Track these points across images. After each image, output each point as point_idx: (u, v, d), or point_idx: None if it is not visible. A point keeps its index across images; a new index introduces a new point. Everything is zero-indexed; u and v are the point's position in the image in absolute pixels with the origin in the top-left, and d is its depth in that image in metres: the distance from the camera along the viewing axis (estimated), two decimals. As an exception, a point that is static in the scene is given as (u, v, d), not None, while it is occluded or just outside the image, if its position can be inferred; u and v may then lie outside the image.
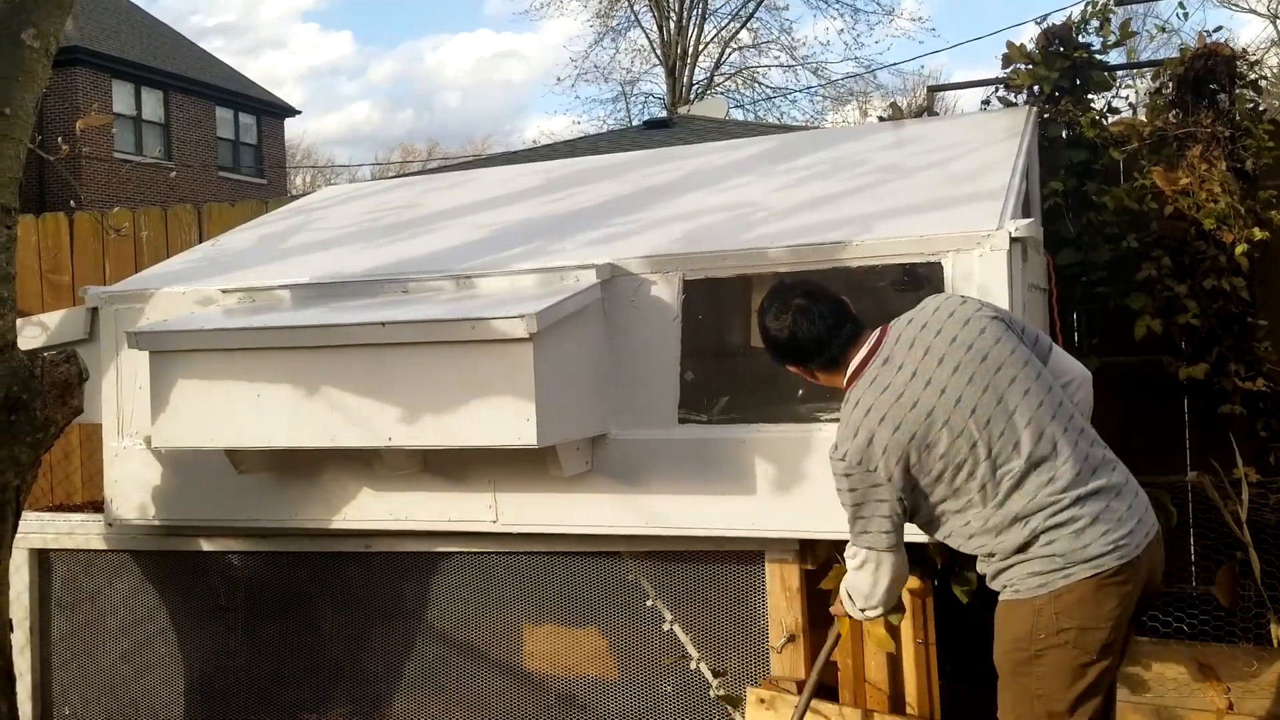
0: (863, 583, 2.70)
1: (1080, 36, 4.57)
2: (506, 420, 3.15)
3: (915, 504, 2.62)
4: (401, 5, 73.28)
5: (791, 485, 3.33)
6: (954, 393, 2.54)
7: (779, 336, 2.77)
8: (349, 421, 3.32)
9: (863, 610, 2.77)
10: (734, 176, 4.38)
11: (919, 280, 3.27)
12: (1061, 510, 2.49)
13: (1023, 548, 2.53)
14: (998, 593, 2.66)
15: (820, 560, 3.49)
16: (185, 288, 4.03)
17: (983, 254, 3.10)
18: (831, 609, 3.11)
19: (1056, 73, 4.48)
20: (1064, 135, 4.50)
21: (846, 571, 2.78)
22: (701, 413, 3.61)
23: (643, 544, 3.66)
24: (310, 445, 3.41)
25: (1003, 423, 2.53)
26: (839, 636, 3.29)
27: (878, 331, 2.72)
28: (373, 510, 3.74)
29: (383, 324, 3.27)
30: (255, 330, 3.50)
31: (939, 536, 2.70)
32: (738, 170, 4.50)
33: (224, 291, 3.92)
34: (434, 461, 3.62)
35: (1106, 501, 2.53)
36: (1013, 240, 3.09)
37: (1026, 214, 3.50)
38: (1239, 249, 4.09)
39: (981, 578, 2.70)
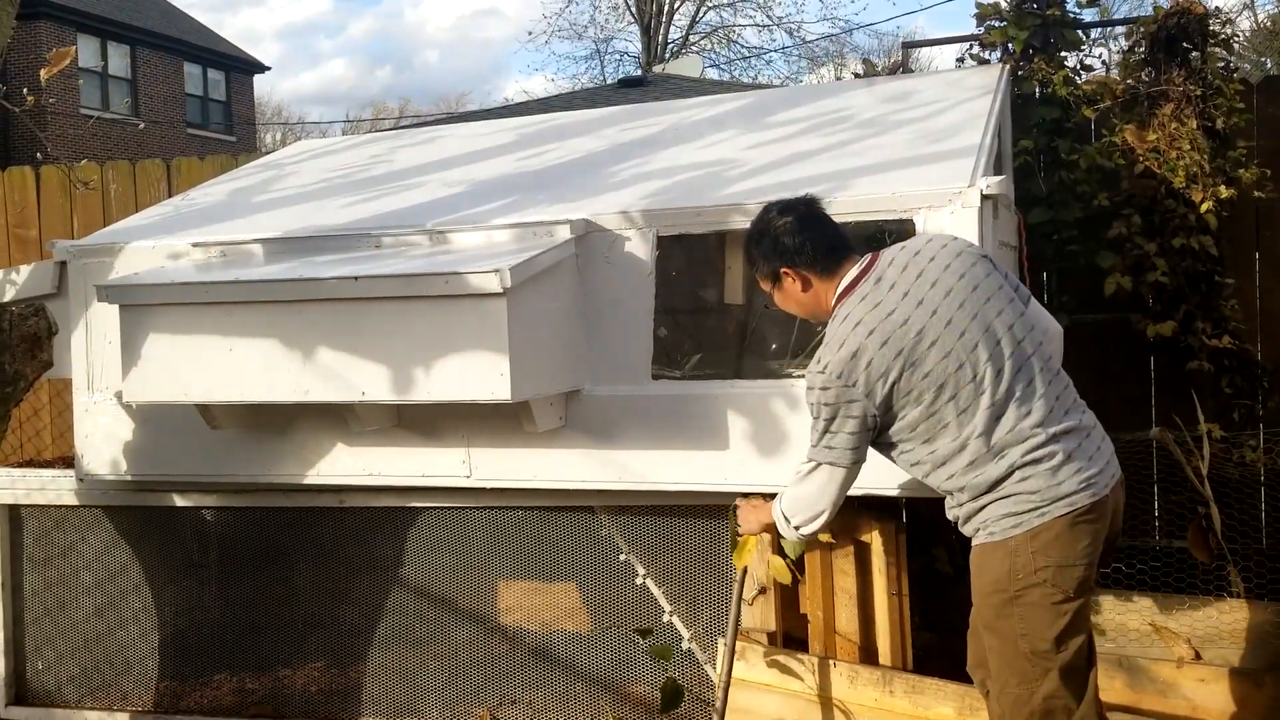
0: (809, 493, 2.75)
1: (1055, -6, 4.57)
2: (480, 375, 3.15)
3: (885, 426, 2.66)
4: (382, -40, 72.10)
5: (764, 440, 3.35)
6: (945, 314, 2.59)
7: (782, 231, 2.79)
8: (322, 377, 3.31)
9: (798, 527, 2.81)
10: (710, 133, 4.37)
11: (892, 236, 3.30)
12: (1039, 446, 2.55)
13: (997, 483, 2.57)
14: (969, 538, 2.70)
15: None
16: (155, 242, 3.99)
17: (954, 211, 3.12)
18: (741, 528, 3.18)
19: (1027, 31, 4.48)
20: (1036, 93, 4.51)
21: (787, 487, 2.84)
22: (675, 369, 3.63)
23: (616, 499, 3.68)
24: (283, 400, 3.40)
25: (988, 350, 2.58)
26: (745, 571, 3.38)
27: (869, 256, 2.76)
28: (346, 466, 3.74)
29: (355, 278, 3.26)
30: (227, 284, 3.47)
31: (903, 464, 2.74)
32: (714, 127, 4.49)
33: (195, 245, 3.89)
34: (408, 417, 3.62)
35: (1079, 441, 2.61)
36: (984, 198, 3.11)
37: (998, 172, 3.52)
38: (1204, 206, 4.13)
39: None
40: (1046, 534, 2.55)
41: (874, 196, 3.25)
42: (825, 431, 2.66)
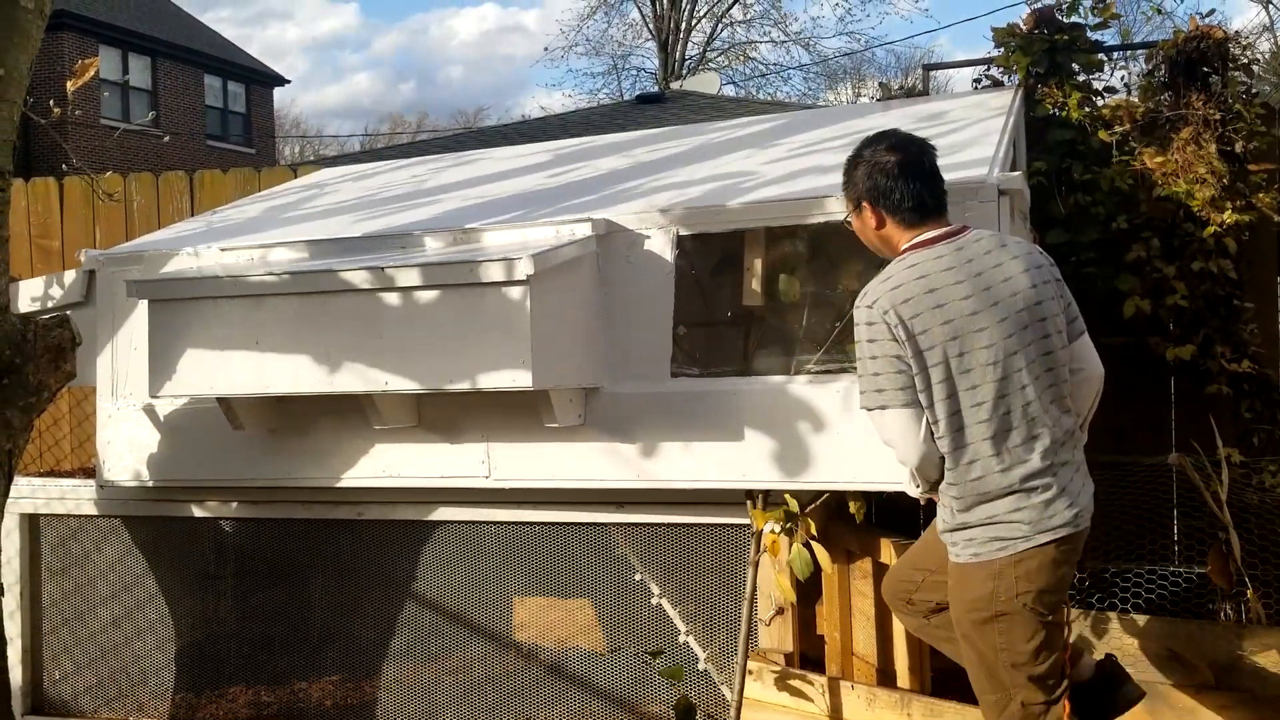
0: (889, 441, 2.72)
1: (1071, 17, 4.59)
2: (503, 364, 3.18)
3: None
4: (409, -23, 72.78)
5: (785, 437, 3.37)
6: (1002, 313, 2.61)
7: (881, 167, 2.75)
8: (347, 368, 3.35)
9: (912, 476, 2.76)
10: (734, 150, 4.42)
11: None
12: (1039, 474, 2.60)
13: (991, 500, 2.60)
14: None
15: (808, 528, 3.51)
16: (185, 250, 4.02)
17: (971, 207, 3.13)
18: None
19: (1031, 56, 4.50)
20: (1052, 115, 4.52)
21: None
22: (694, 366, 3.64)
23: (634, 507, 3.69)
24: (308, 391, 3.42)
25: (1025, 363, 2.61)
26: (754, 590, 3.41)
27: (961, 225, 2.76)
28: (367, 467, 3.76)
29: (381, 269, 3.30)
30: (253, 278, 3.50)
31: None
32: (737, 145, 4.53)
33: (224, 250, 3.92)
34: (428, 415, 3.64)
35: (1071, 474, 2.67)
36: (1000, 192, 3.14)
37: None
38: (1209, 230, 4.13)
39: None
40: (1030, 561, 2.60)
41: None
42: (872, 373, 2.66)
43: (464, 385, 3.25)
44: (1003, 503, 2.60)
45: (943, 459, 2.66)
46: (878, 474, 3.14)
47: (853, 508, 3.47)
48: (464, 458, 3.64)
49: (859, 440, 3.17)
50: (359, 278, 3.32)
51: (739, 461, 3.40)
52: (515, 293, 3.17)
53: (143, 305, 3.76)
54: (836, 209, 3.23)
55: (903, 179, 2.74)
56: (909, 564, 3.03)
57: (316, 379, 3.37)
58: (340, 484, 3.83)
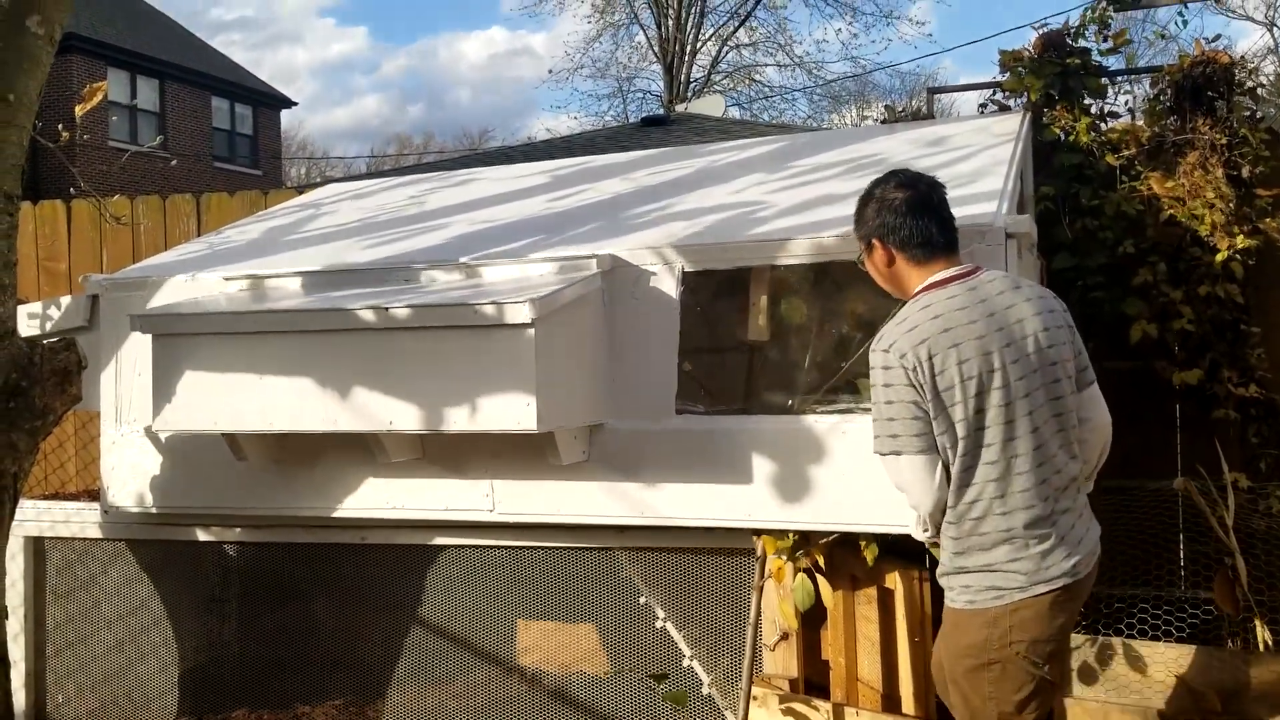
0: (900, 485, 2.69)
1: (1079, 42, 4.60)
2: (507, 405, 3.17)
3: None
4: (418, 1, 73.33)
5: (788, 476, 3.35)
6: (1015, 355, 2.60)
7: (890, 205, 2.75)
8: (350, 407, 3.34)
9: (920, 521, 2.73)
10: (739, 175, 4.41)
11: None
12: (1038, 523, 2.58)
13: (989, 546, 2.59)
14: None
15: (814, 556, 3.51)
16: (188, 276, 4.04)
17: (978, 248, 3.13)
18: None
19: (1044, 79, 4.51)
20: (1060, 139, 4.52)
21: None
22: (698, 403, 3.63)
23: (638, 535, 3.68)
24: (311, 430, 3.43)
25: (1033, 409, 2.59)
26: (758, 615, 3.40)
27: (974, 266, 2.75)
28: (370, 499, 3.76)
29: (387, 308, 3.30)
30: (259, 314, 3.52)
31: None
32: (743, 169, 4.53)
33: (227, 279, 3.93)
34: (433, 450, 3.64)
35: (1071, 523, 2.65)
36: (1007, 236, 3.13)
37: (1021, 214, 3.53)
38: (1219, 255, 4.13)
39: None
40: (1026, 611, 2.59)
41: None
42: (887, 417, 2.64)
43: (468, 427, 3.23)
44: (1001, 550, 2.59)
45: None
46: (884, 516, 3.12)
47: (863, 546, 3.44)
48: (469, 492, 3.64)
49: (865, 480, 3.16)
50: (362, 317, 3.31)
51: (744, 500, 3.39)
52: (520, 335, 3.16)
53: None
54: (842, 248, 3.23)
55: (911, 216, 2.73)
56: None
57: (320, 417, 3.37)
58: (344, 515, 3.83)
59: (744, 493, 3.39)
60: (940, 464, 2.61)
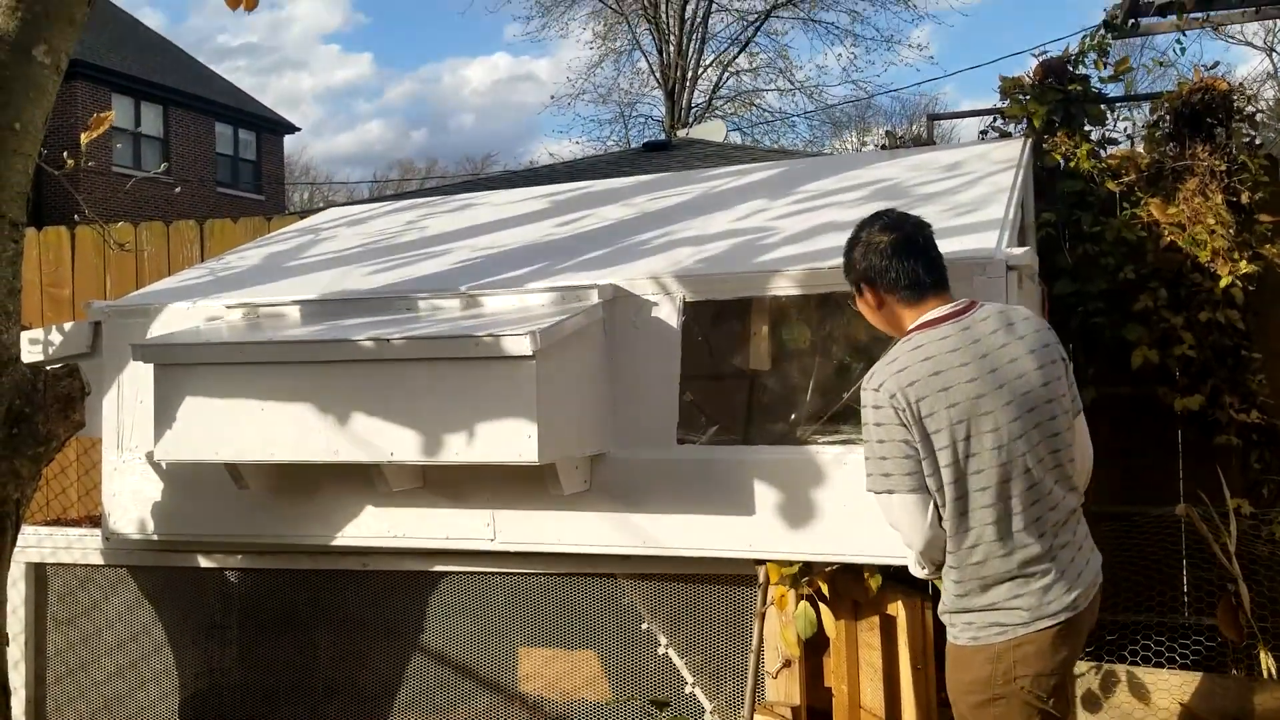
0: (895, 523, 2.69)
1: (1078, 68, 4.63)
2: (508, 437, 3.17)
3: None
4: (423, 28, 73.81)
5: (790, 507, 3.35)
6: (1008, 397, 2.58)
7: (875, 248, 2.75)
8: (351, 437, 3.34)
9: (917, 559, 2.73)
10: (740, 202, 4.42)
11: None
12: (1039, 559, 2.58)
13: (991, 585, 2.59)
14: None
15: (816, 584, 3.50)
16: (189, 303, 4.05)
17: (979, 281, 3.13)
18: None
19: (1047, 106, 4.53)
20: (1061, 166, 4.54)
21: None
22: (700, 433, 3.63)
23: (639, 565, 3.68)
24: (313, 460, 3.43)
25: (1029, 448, 2.58)
26: (760, 643, 3.39)
27: (966, 302, 2.74)
28: (372, 527, 3.75)
29: (389, 340, 3.30)
30: (260, 344, 3.53)
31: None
32: (744, 195, 4.54)
33: (229, 307, 3.94)
34: (434, 479, 3.64)
35: (1071, 556, 2.65)
36: (1009, 268, 3.14)
37: (1022, 243, 3.54)
38: (1222, 281, 4.14)
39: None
40: (1029, 646, 2.59)
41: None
42: (879, 456, 2.64)
43: (469, 458, 3.24)
44: (1003, 589, 2.59)
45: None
46: (886, 547, 3.10)
47: (867, 575, 3.44)
48: (470, 521, 3.64)
49: (867, 511, 3.13)
50: (363, 348, 3.32)
51: (745, 531, 3.39)
52: (521, 366, 3.16)
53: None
54: (841, 277, 3.24)
55: (896, 258, 2.73)
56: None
57: (321, 448, 3.37)
58: (345, 544, 3.83)
59: (746, 523, 3.39)
60: (933, 503, 2.61)
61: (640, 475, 3.49)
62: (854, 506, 3.22)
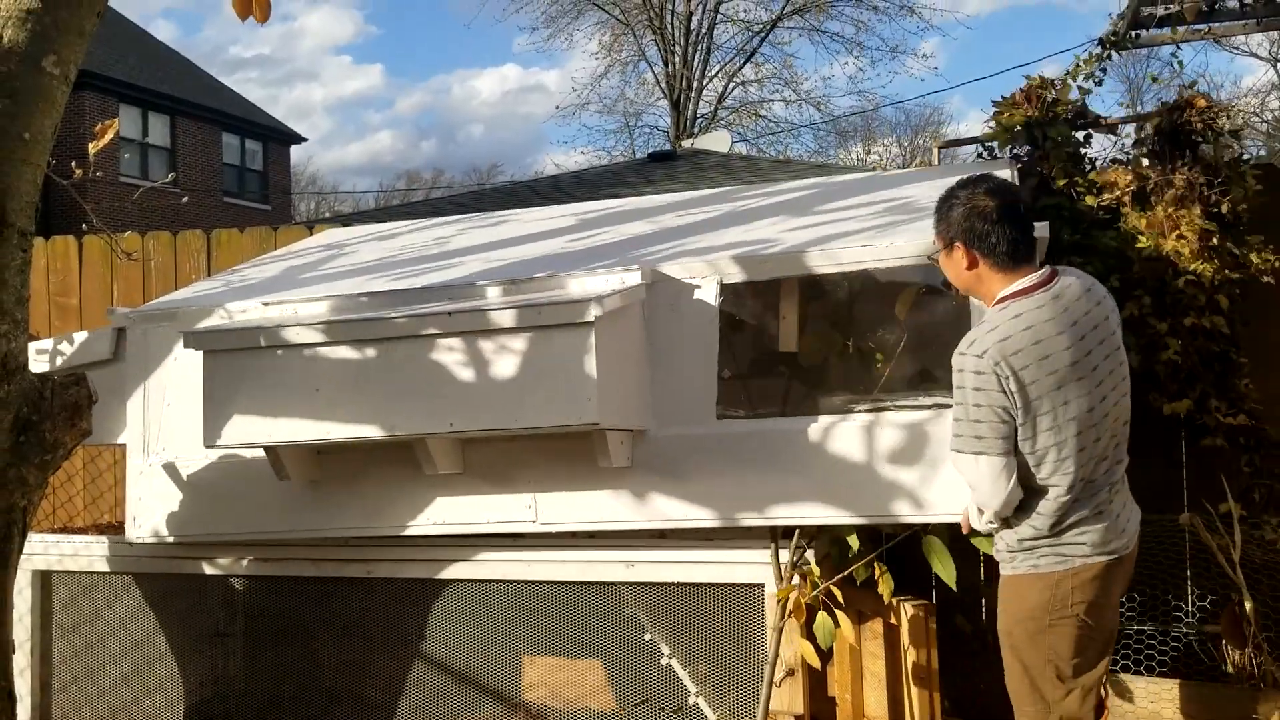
0: (973, 482, 2.83)
1: (1071, 87, 4.71)
2: (568, 401, 3.26)
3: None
4: (433, 40, 74.05)
5: (832, 474, 3.44)
6: (1094, 362, 2.78)
7: (979, 211, 2.84)
8: (408, 413, 3.40)
9: (983, 514, 2.88)
10: (763, 216, 4.47)
11: (931, 285, 3.70)
12: (1103, 506, 2.79)
13: (1066, 529, 2.77)
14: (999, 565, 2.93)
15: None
16: (219, 307, 4.06)
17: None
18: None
19: (1009, 132, 4.59)
20: (1045, 182, 4.57)
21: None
22: (739, 409, 3.73)
23: (645, 569, 3.74)
24: (369, 437, 3.47)
25: (1108, 409, 2.80)
26: (776, 654, 3.46)
27: (1048, 270, 2.87)
28: (412, 514, 3.79)
29: (449, 313, 3.37)
30: (313, 325, 3.55)
31: None
32: (765, 212, 4.58)
33: (266, 304, 3.97)
34: (475, 462, 3.69)
35: (1125, 502, 2.90)
36: None
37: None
38: (1203, 288, 4.18)
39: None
40: (1086, 574, 2.77)
41: (919, 244, 3.36)
42: (974, 419, 2.77)
43: (529, 424, 3.32)
44: (1074, 530, 2.78)
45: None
46: (926, 508, 3.27)
47: (880, 580, 3.47)
48: (511, 503, 3.69)
49: (904, 476, 3.31)
50: (425, 323, 3.38)
51: (785, 498, 3.48)
52: (581, 335, 3.26)
53: (175, 361, 3.88)
54: (874, 258, 3.41)
55: (1000, 224, 2.81)
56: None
57: (378, 425, 3.42)
58: (386, 533, 3.86)
59: (785, 491, 3.48)
60: (1014, 468, 2.76)
61: (682, 450, 3.57)
62: (889, 472, 3.35)
